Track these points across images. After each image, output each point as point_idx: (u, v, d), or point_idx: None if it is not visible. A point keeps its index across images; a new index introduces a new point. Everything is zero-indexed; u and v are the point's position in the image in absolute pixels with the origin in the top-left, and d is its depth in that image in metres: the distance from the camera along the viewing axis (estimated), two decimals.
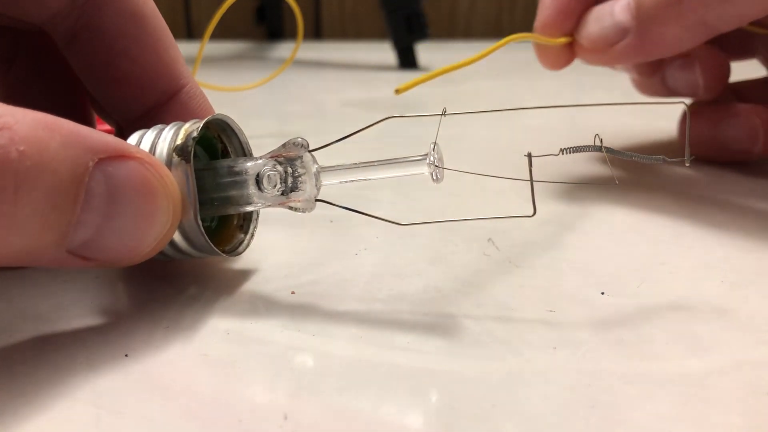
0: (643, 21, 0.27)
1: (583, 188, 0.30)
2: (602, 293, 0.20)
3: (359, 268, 0.22)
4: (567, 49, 0.31)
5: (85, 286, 0.20)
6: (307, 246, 0.24)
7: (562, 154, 0.19)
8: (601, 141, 0.20)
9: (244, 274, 0.21)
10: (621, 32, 0.28)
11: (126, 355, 0.17)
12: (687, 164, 0.19)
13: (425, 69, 0.70)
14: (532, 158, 0.18)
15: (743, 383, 0.15)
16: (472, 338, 0.17)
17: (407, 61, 0.71)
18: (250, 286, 0.21)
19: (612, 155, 0.20)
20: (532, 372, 0.16)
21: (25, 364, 0.16)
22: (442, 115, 0.19)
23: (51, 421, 0.14)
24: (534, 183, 0.19)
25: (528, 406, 0.15)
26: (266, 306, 0.19)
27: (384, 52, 0.77)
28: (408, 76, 0.66)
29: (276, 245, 0.24)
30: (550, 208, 0.27)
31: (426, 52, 0.77)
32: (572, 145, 0.19)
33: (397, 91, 0.20)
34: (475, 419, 0.14)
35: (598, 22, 0.29)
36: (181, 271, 0.22)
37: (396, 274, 0.21)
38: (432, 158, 0.19)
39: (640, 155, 0.20)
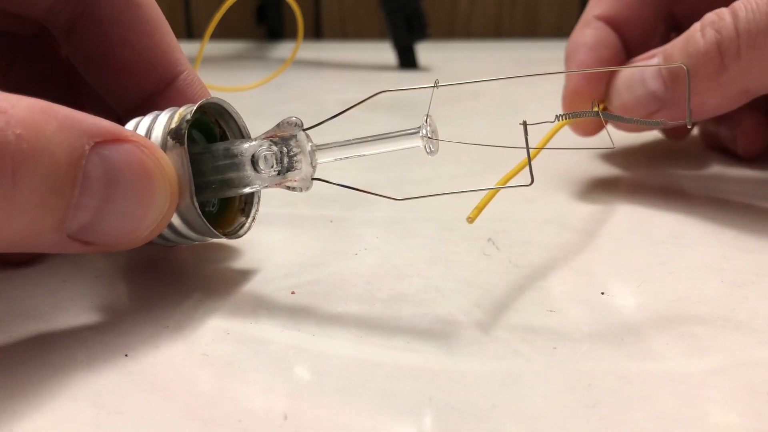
0: (680, 92, 0.26)
1: (582, 187, 0.30)
2: (602, 293, 0.20)
3: (359, 268, 0.22)
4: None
5: (85, 286, 0.20)
6: (307, 246, 0.24)
7: (559, 120, 0.19)
8: (599, 106, 0.20)
9: (244, 274, 0.21)
10: (656, 102, 0.27)
11: (126, 355, 0.17)
12: (689, 126, 0.19)
13: (425, 69, 0.70)
14: (528, 126, 0.18)
15: (743, 383, 0.15)
16: (472, 338, 0.17)
17: (407, 61, 0.71)
18: (250, 286, 0.21)
19: (611, 120, 0.20)
20: (532, 372, 0.16)
21: (25, 363, 0.16)
22: (434, 87, 0.19)
23: (51, 421, 0.14)
24: (530, 153, 0.19)
25: (528, 406, 0.15)
26: (266, 306, 0.19)
27: (384, 52, 0.77)
28: (408, 76, 0.66)
29: (276, 245, 0.24)
30: (550, 207, 0.27)
31: (426, 52, 0.77)
32: (569, 112, 0.19)
33: (470, 220, 0.20)
34: (475, 419, 0.14)
35: (630, 90, 0.27)
36: (181, 271, 0.22)
37: (396, 274, 0.21)
38: (425, 131, 0.19)
39: (639, 119, 0.20)
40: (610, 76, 0.29)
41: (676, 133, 0.35)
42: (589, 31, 0.30)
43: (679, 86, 0.26)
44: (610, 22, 0.30)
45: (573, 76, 0.30)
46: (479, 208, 0.20)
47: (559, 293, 0.20)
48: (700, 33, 0.25)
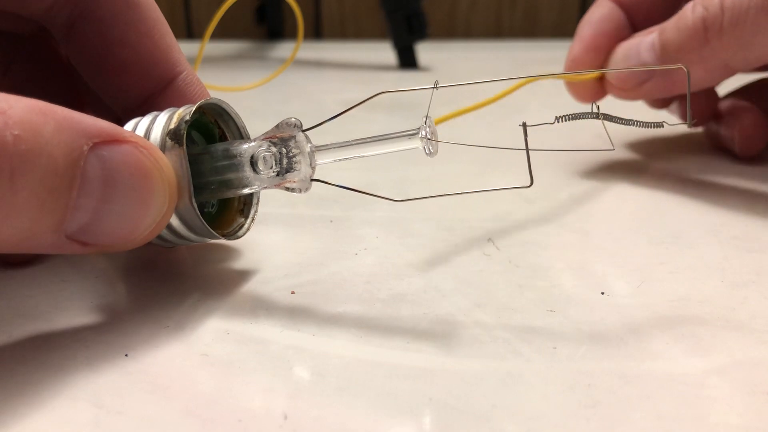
0: (667, 63, 0.28)
1: (582, 187, 0.30)
2: (602, 293, 0.20)
3: (359, 268, 0.22)
4: (597, 83, 0.32)
5: (85, 286, 0.20)
6: (307, 246, 0.24)
7: (558, 121, 0.19)
8: (598, 108, 0.20)
9: (245, 275, 0.21)
10: (647, 72, 0.29)
11: (126, 355, 0.17)
12: (689, 127, 0.19)
13: (425, 69, 0.70)
14: (527, 127, 0.18)
15: (743, 383, 0.15)
16: (472, 338, 0.17)
17: (407, 60, 0.71)
18: (250, 286, 0.21)
19: (610, 121, 0.20)
20: (532, 372, 0.16)
21: (25, 363, 0.16)
22: (434, 88, 0.19)
23: (51, 421, 0.14)
24: (530, 154, 0.19)
25: (528, 406, 0.15)
26: (266, 306, 0.19)
27: (384, 52, 0.77)
28: (408, 76, 0.66)
29: (276, 245, 0.24)
30: (550, 207, 0.27)
31: (426, 52, 0.77)
32: (569, 113, 0.19)
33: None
34: (475, 419, 0.14)
35: (625, 61, 0.30)
36: (181, 272, 0.22)
37: (396, 274, 0.21)
38: (424, 132, 0.19)
39: (639, 121, 0.20)
40: (610, 48, 0.31)
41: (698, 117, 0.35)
42: (598, 9, 0.33)
43: (668, 59, 0.28)
44: (619, 2, 0.33)
45: (574, 45, 0.32)
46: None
47: (559, 293, 0.20)
48: (691, 10, 0.27)
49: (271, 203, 0.27)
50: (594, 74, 0.32)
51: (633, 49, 0.30)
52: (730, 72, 0.28)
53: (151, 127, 0.19)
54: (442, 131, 0.20)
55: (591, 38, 0.32)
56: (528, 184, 0.18)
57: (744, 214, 0.26)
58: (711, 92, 0.33)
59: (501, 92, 0.28)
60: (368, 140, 0.20)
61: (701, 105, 0.33)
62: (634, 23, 0.32)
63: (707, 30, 0.26)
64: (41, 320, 0.18)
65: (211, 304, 0.19)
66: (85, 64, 0.22)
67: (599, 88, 0.33)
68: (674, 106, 0.35)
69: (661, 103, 0.35)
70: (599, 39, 0.32)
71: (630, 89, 0.31)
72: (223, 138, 0.21)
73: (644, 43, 0.29)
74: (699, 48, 0.27)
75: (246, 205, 0.22)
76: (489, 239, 0.24)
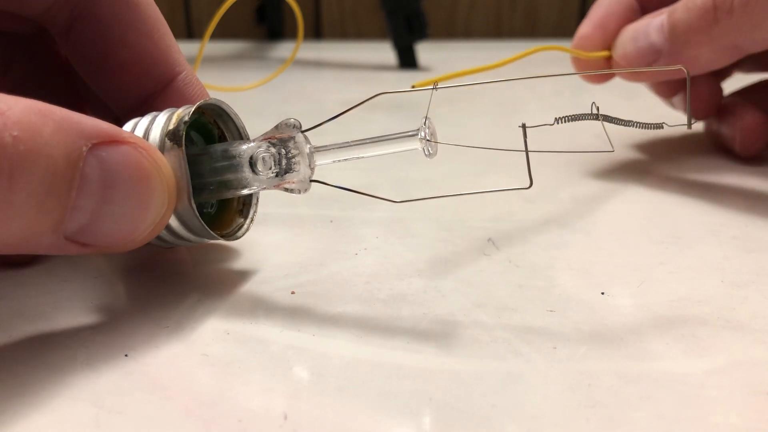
0: (676, 44, 0.28)
1: (582, 187, 0.30)
2: (602, 293, 0.20)
3: (359, 268, 0.22)
4: (606, 64, 0.32)
5: (85, 286, 0.20)
6: (307, 246, 0.24)
7: (558, 123, 0.19)
8: (598, 109, 0.20)
9: (244, 275, 0.21)
10: (655, 53, 0.29)
11: (126, 355, 0.17)
12: (689, 128, 0.19)
13: (425, 69, 0.70)
14: (527, 128, 0.18)
15: (743, 383, 0.15)
16: (472, 338, 0.17)
17: (407, 60, 0.71)
18: (250, 286, 0.21)
19: (610, 123, 0.20)
20: (532, 372, 0.16)
21: (25, 363, 0.16)
22: (433, 89, 0.19)
23: (51, 421, 0.14)
24: (529, 155, 0.19)
25: (528, 406, 0.15)
26: (266, 306, 0.19)
27: (384, 52, 0.77)
28: (408, 76, 0.66)
29: (276, 245, 0.24)
30: (550, 207, 0.27)
31: (426, 51, 0.77)
32: (568, 114, 0.19)
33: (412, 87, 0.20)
34: (475, 419, 0.14)
35: (633, 41, 0.30)
36: (181, 272, 0.22)
37: (396, 274, 0.21)
38: (424, 133, 0.19)
39: (639, 122, 0.20)
40: (618, 28, 0.31)
41: (703, 108, 0.35)
42: None
43: (677, 39, 0.28)
44: None
45: (583, 23, 0.32)
46: (430, 81, 0.20)
47: (559, 293, 0.20)
48: None
49: (271, 203, 0.27)
50: (602, 54, 0.32)
51: (641, 29, 0.30)
52: (740, 53, 0.27)
53: (150, 127, 0.19)
54: (441, 131, 0.20)
55: (600, 17, 0.32)
56: (527, 185, 0.18)
57: (744, 214, 0.26)
58: (715, 86, 0.33)
59: (508, 58, 0.27)
60: (368, 141, 0.20)
61: (705, 97, 0.33)
62: (646, 11, 0.32)
63: (717, 10, 0.26)
64: (41, 320, 0.18)
65: (210, 304, 0.19)
66: (85, 65, 0.22)
67: (608, 68, 0.32)
68: (678, 98, 0.35)
69: (667, 91, 0.35)
70: (608, 18, 0.32)
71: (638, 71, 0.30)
72: (222, 138, 0.21)
73: (653, 24, 0.29)
74: (708, 28, 0.27)
75: (245, 205, 0.22)
76: (489, 239, 0.24)
